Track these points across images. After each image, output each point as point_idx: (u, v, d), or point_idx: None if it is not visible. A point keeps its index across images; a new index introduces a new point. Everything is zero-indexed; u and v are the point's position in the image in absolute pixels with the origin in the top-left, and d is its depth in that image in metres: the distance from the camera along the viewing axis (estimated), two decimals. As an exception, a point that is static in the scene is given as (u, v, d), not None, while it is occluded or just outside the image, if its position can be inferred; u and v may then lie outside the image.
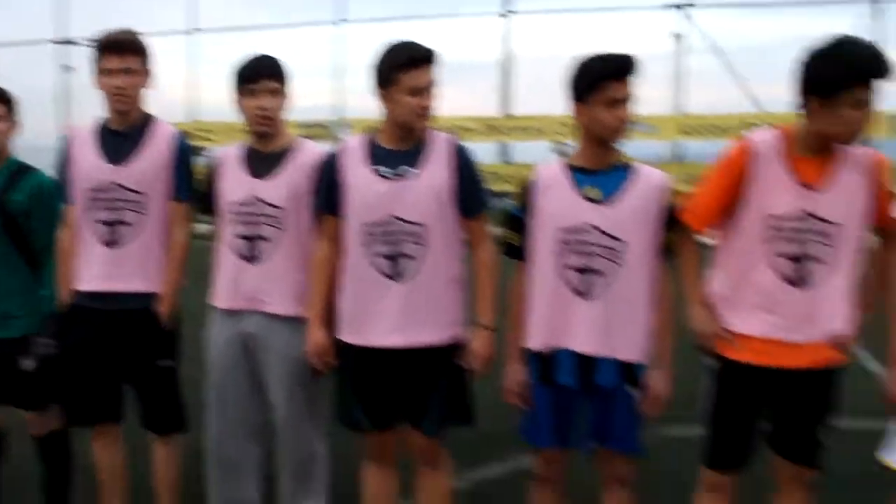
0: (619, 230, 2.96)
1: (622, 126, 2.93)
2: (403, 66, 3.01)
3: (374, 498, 3.35)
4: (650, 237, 3.01)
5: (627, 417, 3.06)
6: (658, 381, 3.06)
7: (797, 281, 2.87)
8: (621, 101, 2.91)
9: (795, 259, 2.87)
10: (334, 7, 22.98)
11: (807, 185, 2.86)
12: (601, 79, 2.90)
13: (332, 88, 23.16)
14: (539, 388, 3.09)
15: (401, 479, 3.41)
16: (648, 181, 3.04)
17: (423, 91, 3.04)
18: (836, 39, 2.77)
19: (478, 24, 28.02)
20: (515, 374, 3.14)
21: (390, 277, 3.08)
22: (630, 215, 2.98)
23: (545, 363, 3.06)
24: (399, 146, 3.13)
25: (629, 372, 3.04)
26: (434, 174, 3.10)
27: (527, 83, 26.68)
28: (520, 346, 3.13)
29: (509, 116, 22.23)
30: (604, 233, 2.96)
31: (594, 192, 3.00)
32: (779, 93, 21.36)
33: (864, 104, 2.72)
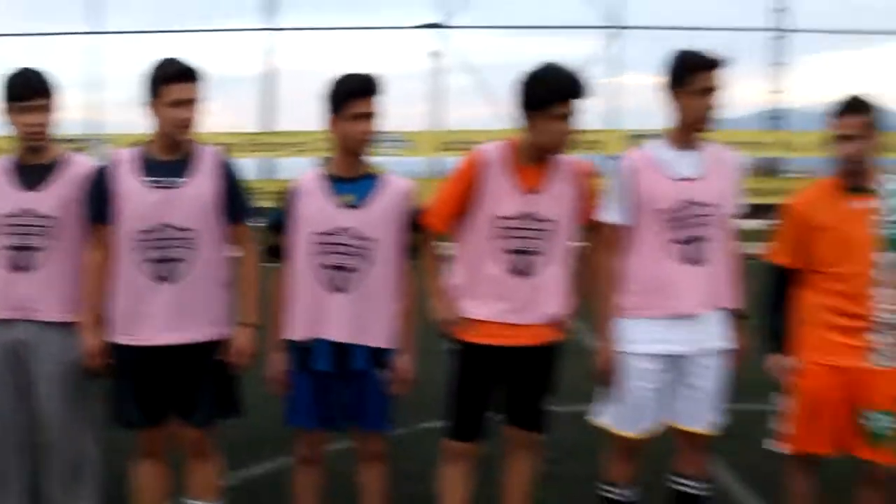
0: (371, 231, 3.35)
1: (367, 138, 3.34)
2: (167, 79, 3.24)
3: (144, 491, 3.51)
4: (396, 237, 3.42)
5: (378, 398, 3.44)
6: (404, 364, 3.46)
7: (521, 272, 3.37)
8: (366, 115, 3.31)
9: (519, 253, 3.36)
10: (88, 17, 22.15)
11: (528, 190, 3.36)
12: (348, 96, 3.29)
13: (87, 102, 22.27)
14: (298, 376, 3.41)
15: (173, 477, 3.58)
16: (395, 188, 3.45)
17: (185, 104, 3.27)
18: (544, 65, 3.33)
19: (240, 38, 27.81)
20: (276, 364, 3.44)
21: (160, 280, 3.28)
22: (380, 218, 3.38)
23: (303, 352, 3.39)
24: (168, 157, 3.33)
25: (379, 357, 3.43)
26: (201, 184, 3.33)
27: (290, 99, 26.90)
28: (280, 339, 3.43)
29: (272, 132, 22.31)
30: (356, 234, 3.33)
31: (348, 198, 3.37)
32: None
33: (565, 118, 3.27)
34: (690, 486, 3.57)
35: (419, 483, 4.05)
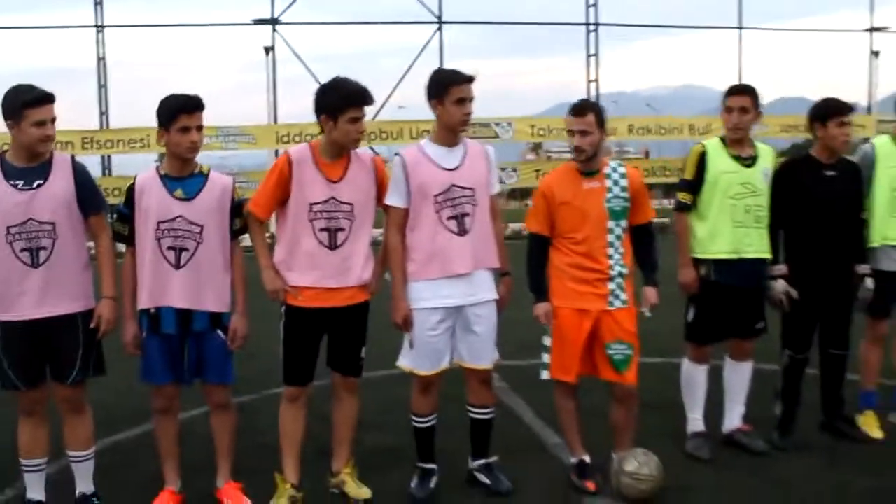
0: (200, 218, 4.17)
1: (191, 148, 4.13)
2: (29, 103, 3.92)
3: (28, 443, 4.19)
4: (223, 222, 4.24)
5: (219, 355, 4.27)
6: (238, 323, 4.28)
7: (331, 246, 4.23)
8: (191, 128, 4.11)
9: (329, 231, 4.23)
10: None
11: (331, 180, 4.23)
12: (177, 112, 4.09)
13: None
14: (150, 338, 4.18)
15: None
16: (221, 183, 4.28)
17: (47, 123, 3.96)
18: (336, 78, 4.23)
19: (74, 35, 27.17)
20: (130, 330, 4.21)
21: (30, 265, 3.97)
22: (206, 208, 4.20)
23: (153, 318, 4.17)
24: (29, 164, 4.01)
25: (218, 319, 4.26)
26: (59, 184, 4.05)
27: (125, 94, 26.55)
28: (132, 309, 4.20)
29: (109, 129, 22.12)
30: (189, 221, 4.15)
31: (180, 193, 4.17)
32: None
33: (357, 121, 4.17)
34: (480, 413, 4.58)
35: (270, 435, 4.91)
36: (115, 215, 4.26)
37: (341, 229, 4.24)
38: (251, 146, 23.15)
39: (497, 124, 22.84)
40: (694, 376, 5.08)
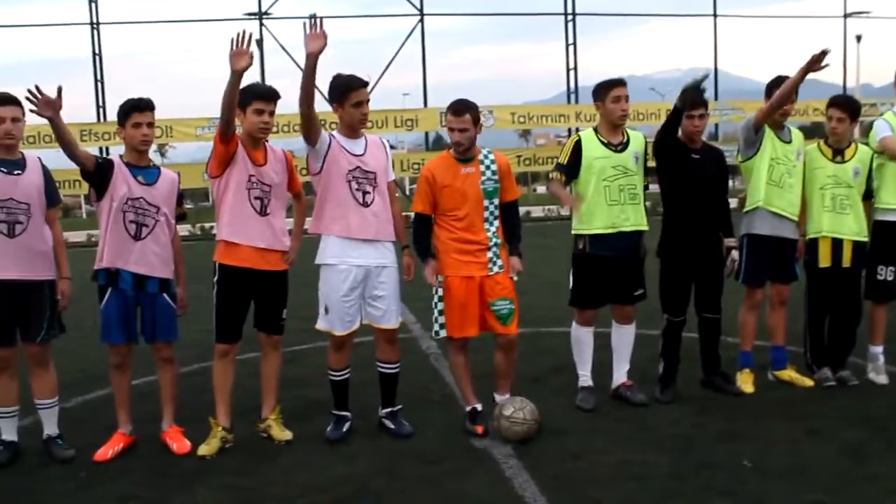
0: (156, 201, 4.99)
1: (144, 142, 4.93)
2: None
3: (1, 394, 4.96)
4: (172, 208, 5.09)
5: (167, 316, 5.08)
6: (181, 291, 5.15)
7: (263, 213, 5.01)
8: (144, 124, 4.91)
9: (260, 200, 4.99)
10: None
11: (256, 163, 5.00)
12: (130, 110, 4.90)
13: None
14: (110, 301, 4.94)
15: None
16: (171, 177, 5.12)
17: (6, 120, 4.72)
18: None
19: (70, 31, 27.83)
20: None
21: (7, 236, 4.74)
22: (163, 194, 5.03)
23: (112, 275, 4.93)
24: (6, 157, 4.78)
25: (166, 285, 5.07)
26: (33, 176, 4.87)
27: (120, 91, 27.27)
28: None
29: (106, 122, 22.80)
30: (148, 202, 4.96)
31: (142, 179, 4.97)
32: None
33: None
34: (387, 368, 5.35)
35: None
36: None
37: (271, 199, 5.08)
38: (241, 136, 23.84)
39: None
40: (580, 337, 5.81)
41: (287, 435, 5.18)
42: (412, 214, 5.29)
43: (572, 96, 25.63)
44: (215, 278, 5.09)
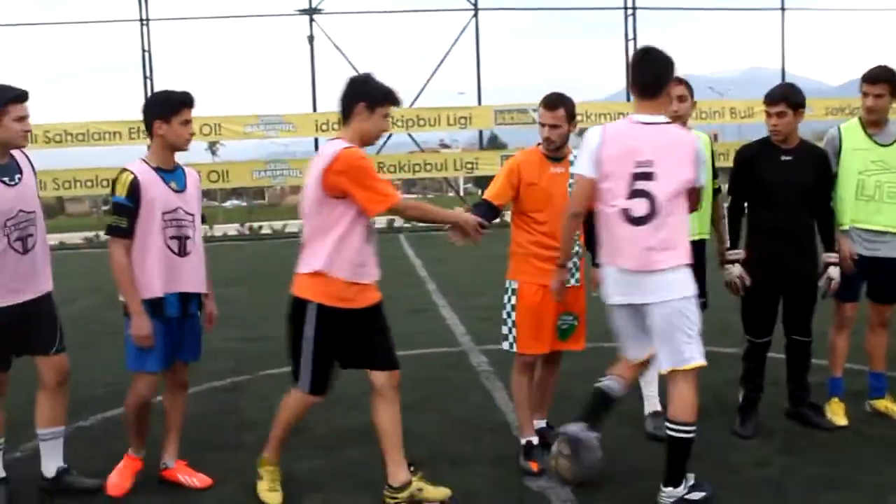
0: (191, 208, 4.40)
1: (189, 141, 4.37)
2: (10, 100, 4.13)
3: None
4: (199, 211, 4.48)
5: (198, 334, 4.53)
6: (213, 306, 4.60)
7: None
8: (190, 121, 4.35)
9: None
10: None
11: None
12: (181, 105, 4.27)
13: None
14: (154, 324, 4.23)
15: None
16: (194, 176, 4.54)
17: (25, 119, 4.20)
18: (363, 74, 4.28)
19: (119, 29, 27.88)
20: (146, 323, 4.21)
21: (22, 253, 4.21)
22: (192, 198, 4.43)
23: (156, 305, 4.26)
24: (2, 161, 4.21)
25: (200, 302, 4.51)
26: (29, 176, 4.32)
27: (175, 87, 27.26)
28: (139, 302, 4.25)
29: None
30: (186, 211, 4.36)
31: (174, 185, 4.36)
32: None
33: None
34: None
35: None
36: (112, 207, 4.35)
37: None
38: (292, 134, 23.59)
39: (534, 110, 22.86)
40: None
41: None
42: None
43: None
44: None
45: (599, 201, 4.08)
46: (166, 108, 4.30)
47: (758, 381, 5.21)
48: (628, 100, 24.53)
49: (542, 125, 4.61)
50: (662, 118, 4.05)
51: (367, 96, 4.10)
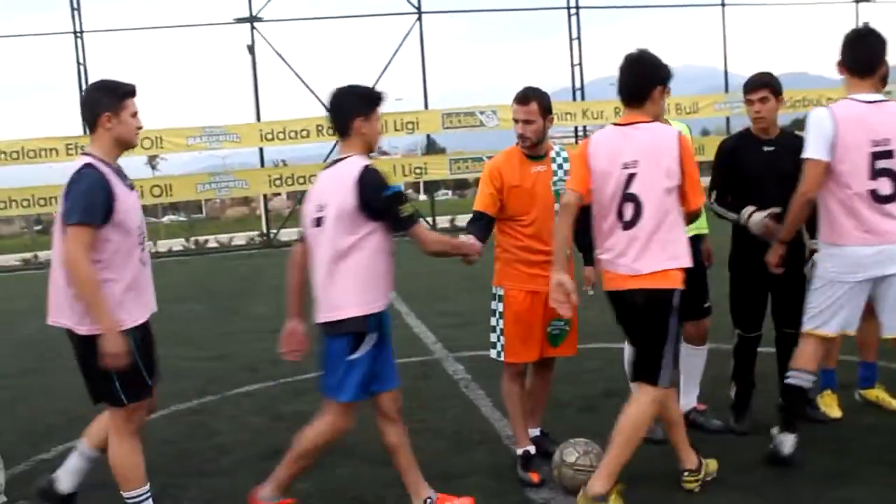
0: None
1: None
2: (127, 93, 3.82)
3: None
4: None
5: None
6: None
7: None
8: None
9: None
10: None
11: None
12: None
13: None
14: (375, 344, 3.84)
15: None
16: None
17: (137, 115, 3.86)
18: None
19: (53, 42, 27.10)
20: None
21: (146, 266, 3.91)
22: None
23: (379, 321, 3.85)
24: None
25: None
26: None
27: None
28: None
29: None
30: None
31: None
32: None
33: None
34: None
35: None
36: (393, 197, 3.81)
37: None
38: (236, 145, 23.09)
39: (482, 112, 22.80)
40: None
41: None
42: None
43: (578, 93, 24.78)
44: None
45: (833, 183, 4.24)
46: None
47: (749, 376, 5.09)
48: (574, 99, 24.71)
49: (516, 121, 4.42)
50: (881, 96, 4.33)
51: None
